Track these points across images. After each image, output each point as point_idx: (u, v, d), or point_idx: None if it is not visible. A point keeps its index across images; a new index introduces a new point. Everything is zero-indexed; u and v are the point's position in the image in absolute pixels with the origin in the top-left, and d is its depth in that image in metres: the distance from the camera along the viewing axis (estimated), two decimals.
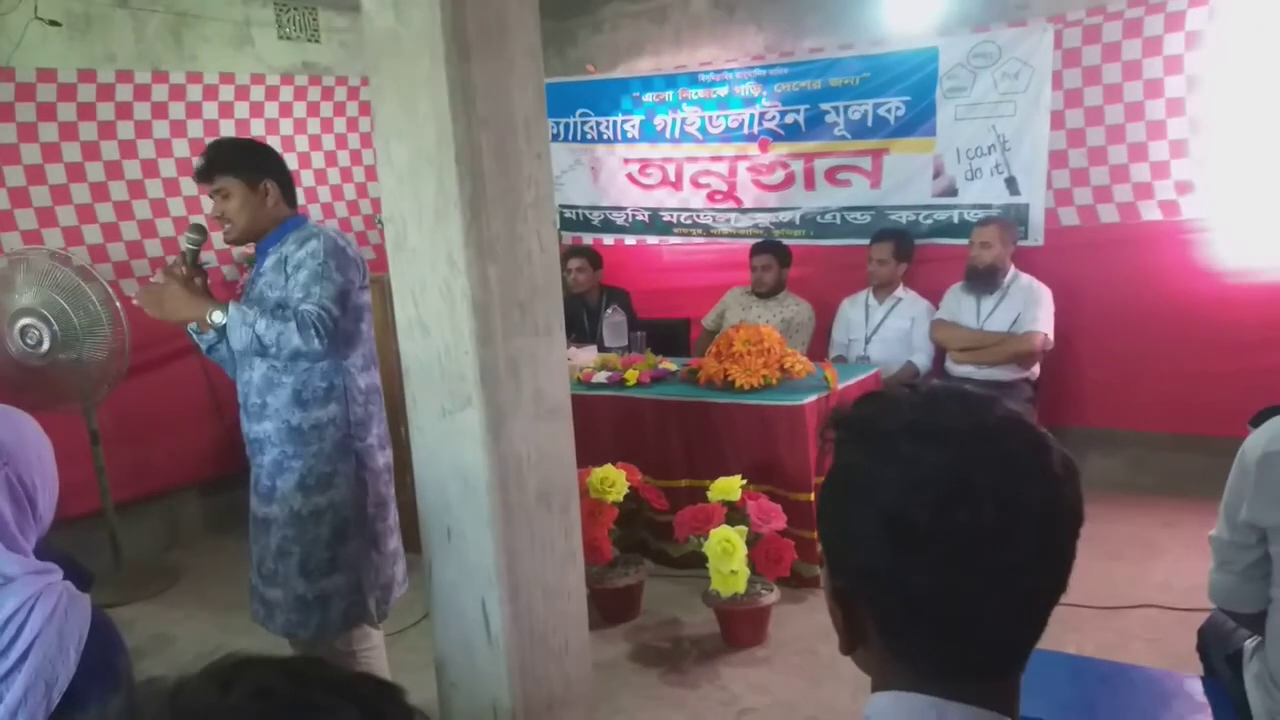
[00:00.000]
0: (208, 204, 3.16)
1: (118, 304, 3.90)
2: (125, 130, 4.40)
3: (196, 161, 2.52)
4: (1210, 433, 4.05)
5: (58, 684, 1.30)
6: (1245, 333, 4.02)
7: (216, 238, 2.87)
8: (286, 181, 2.54)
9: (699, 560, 3.54)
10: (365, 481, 2.50)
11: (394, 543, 2.61)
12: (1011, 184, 4.53)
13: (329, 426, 2.45)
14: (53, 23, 3.96)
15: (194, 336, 2.57)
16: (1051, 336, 4.13)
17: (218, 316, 2.36)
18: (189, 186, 4.63)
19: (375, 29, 2.10)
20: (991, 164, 4.57)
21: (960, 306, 4.30)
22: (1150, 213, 4.24)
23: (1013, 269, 4.23)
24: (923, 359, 4.42)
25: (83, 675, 1.32)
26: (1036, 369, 4.23)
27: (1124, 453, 4.47)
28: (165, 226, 4.55)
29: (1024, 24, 4.45)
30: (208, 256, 4.01)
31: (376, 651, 2.61)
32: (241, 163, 2.48)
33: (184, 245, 2.51)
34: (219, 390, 4.63)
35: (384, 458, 2.57)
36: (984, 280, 4.19)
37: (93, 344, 3.86)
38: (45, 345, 3.78)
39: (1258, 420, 1.80)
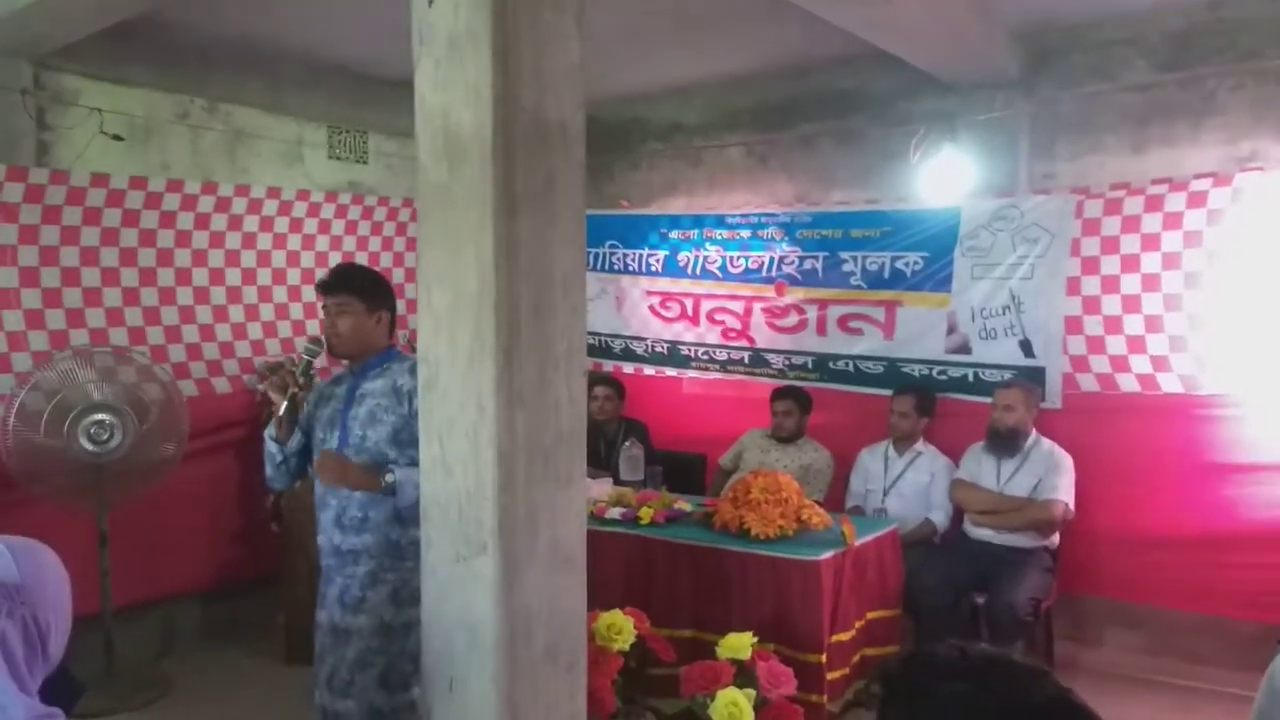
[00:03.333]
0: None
1: (184, 400, 4.14)
2: (165, 238, 4.51)
3: (323, 275, 2.84)
4: (1232, 615, 3.96)
5: None
6: (1269, 516, 3.94)
7: None
8: (394, 317, 2.83)
9: (694, 718, 3.43)
10: None
11: None
12: (1026, 346, 4.55)
13: None
14: (115, 137, 4.13)
15: (273, 448, 2.76)
16: (1073, 506, 4.08)
17: (389, 478, 2.58)
18: (218, 295, 4.72)
19: (428, 181, 2.18)
20: (1005, 324, 4.60)
21: (980, 467, 4.27)
22: (1170, 385, 4.23)
23: (1034, 433, 4.22)
24: (941, 517, 4.37)
25: None
26: (1056, 537, 4.15)
27: (1143, 629, 4.36)
28: (190, 333, 4.61)
29: (1049, 192, 4.57)
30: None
31: None
32: (368, 289, 2.77)
33: (302, 355, 2.73)
34: (226, 499, 4.63)
35: None
36: (1005, 443, 4.17)
37: (152, 442, 4.00)
38: (115, 441, 3.83)
39: None
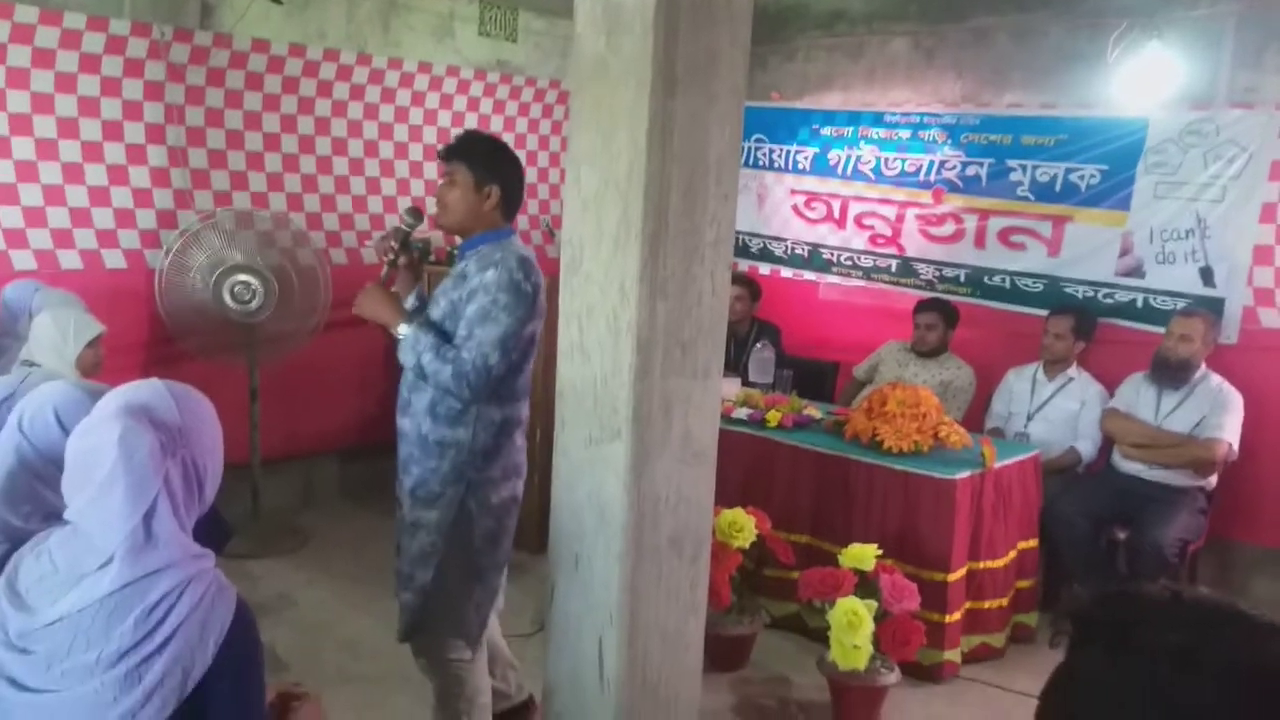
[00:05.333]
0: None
1: (328, 270, 4.24)
2: (322, 107, 4.59)
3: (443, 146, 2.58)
4: None
5: (194, 673, 1.32)
6: None
7: None
8: (513, 194, 2.51)
9: (800, 624, 3.42)
10: (471, 512, 2.41)
11: (498, 579, 2.54)
12: (1206, 274, 4.18)
13: (451, 448, 2.39)
14: (276, 1, 4.17)
15: None
16: (1237, 447, 3.79)
17: (400, 330, 2.39)
18: (372, 167, 4.81)
19: (584, 53, 2.09)
20: (1187, 249, 4.24)
21: (1139, 397, 3.99)
22: None
23: (1204, 367, 3.90)
24: (1088, 447, 4.14)
25: (218, 668, 1.34)
26: (1214, 479, 3.88)
27: None
28: (344, 203, 4.73)
29: (1251, 107, 4.11)
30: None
31: (470, 666, 2.50)
32: (479, 158, 2.47)
33: (399, 226, 2.54)
34: (371, 364, 4.80)
35: (509, 490, 2.48)
36: (1172, 374, 3.87)
37: (296, 307, 4.13)
38: (256, 303, 3.98)
39: None
